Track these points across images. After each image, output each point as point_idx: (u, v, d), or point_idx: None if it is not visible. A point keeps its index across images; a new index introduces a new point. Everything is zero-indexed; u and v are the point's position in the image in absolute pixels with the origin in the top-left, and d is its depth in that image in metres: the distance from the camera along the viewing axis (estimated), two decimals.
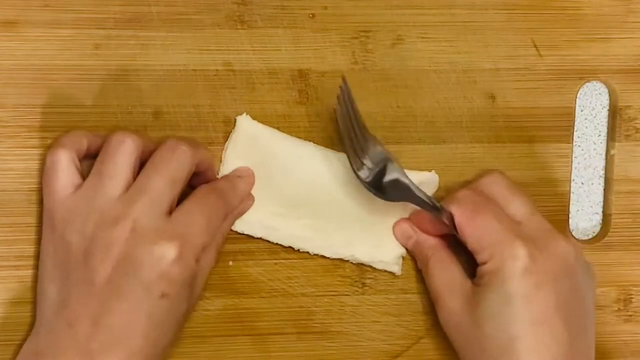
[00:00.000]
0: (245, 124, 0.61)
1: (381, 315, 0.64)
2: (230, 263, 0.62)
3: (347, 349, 0.64)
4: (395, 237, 0.63)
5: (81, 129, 0.58)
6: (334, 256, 0.63)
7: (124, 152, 0.55)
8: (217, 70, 0.61)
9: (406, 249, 0.63)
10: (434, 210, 0.60)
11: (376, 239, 0.63)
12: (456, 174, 0.64)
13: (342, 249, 0.63)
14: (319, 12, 0.62)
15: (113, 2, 0.60)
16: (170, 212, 0.55)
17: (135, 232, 0.54)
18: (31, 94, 0.59)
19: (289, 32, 0.62)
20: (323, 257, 0.63)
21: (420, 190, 0.60)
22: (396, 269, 0.63)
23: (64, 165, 0.56)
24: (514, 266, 0.57)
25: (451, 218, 0.59)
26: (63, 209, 0.55)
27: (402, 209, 0.63)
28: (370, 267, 0.63)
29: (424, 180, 0.63)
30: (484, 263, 0.58)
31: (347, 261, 0.63)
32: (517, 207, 0.60)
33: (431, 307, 0.64)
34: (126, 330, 0.53)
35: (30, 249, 0.60)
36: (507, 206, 0.60)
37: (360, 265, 0.63)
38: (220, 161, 0.61)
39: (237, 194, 0.60)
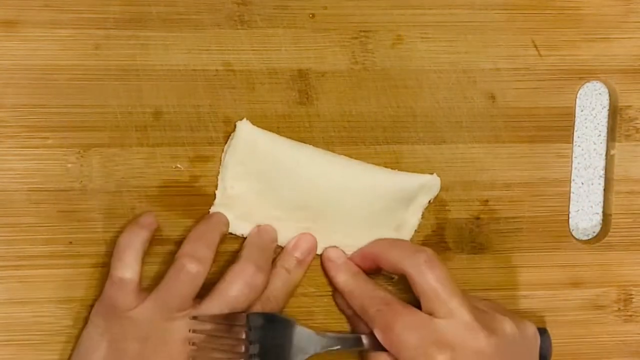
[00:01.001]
0: (245, 130, 0.61)
1: None
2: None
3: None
4: None
5: (144, 223, 0.59)
6: None
7: (188, 283, 0.57)
8: (217, 70, 0.61)
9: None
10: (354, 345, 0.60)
11: None
12: (456, 174, 0.64)
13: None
14: (319, 12, 0.62)
15: (113, 2, 0.60)
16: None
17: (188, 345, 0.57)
18: (31, 94, 0.59)
19: (289, 32, 0.62)
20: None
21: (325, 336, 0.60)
22: (392, 275, 0.63)
23: (130, 287, 0.57)
24: None
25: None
26: (126, 320, 0.57)
27: (402, 212, 0.63)
28: None
29: (425, 183, 0.63)
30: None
31: None
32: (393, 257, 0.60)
33: None
34: None
35: (30, 249, 0.60)
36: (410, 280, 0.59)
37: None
38: (220, 164, 0.61)
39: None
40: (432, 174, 0.63)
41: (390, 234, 0.63)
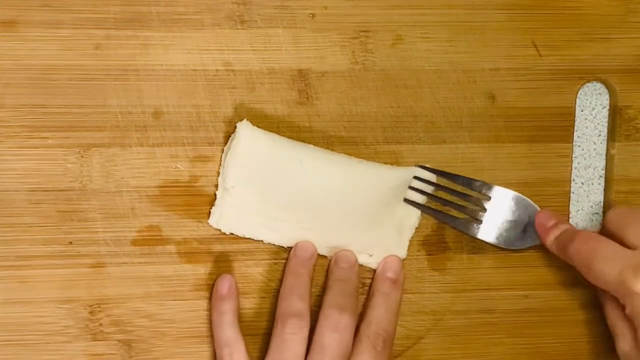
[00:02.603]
0: (245, 130, 0.61)
1: None
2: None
3: None
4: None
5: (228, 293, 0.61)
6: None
7: (300, 341, 0.59)
8: (217, 70, 0.61)
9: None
10: None
11: (376, 242, 0.63)
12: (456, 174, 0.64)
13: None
14: (319, 12, 0.62)
15: (113, 2, 0.60)
16: None
17: None
18: (31, 94, 0.59)
19: (289, 32, 0.62)
20: (323, 257, 0.63)
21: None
22: None
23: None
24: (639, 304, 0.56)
25: None
26: None
27: (403, 209, 0.63)
28: (370, 268, 0.63)
29: (419, 174, 0.62)
30: (624, 308, 0.58)
31: None
32: (633, 234, 0.59)
33: (431, 307, 0.64)
34: None
35: (30, 249, 0.60)
36: (623, 240, 0.59)
37: (360, 265, 0.63)
38: (220, 165, 0.61)
39: (396, 318, 0.63)
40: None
41: (391, 232, 0.63)
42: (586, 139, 0.66)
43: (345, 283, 0.61)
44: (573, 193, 0.66)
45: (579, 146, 0.66)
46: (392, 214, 0.63)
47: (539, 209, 0.63)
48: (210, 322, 0.61)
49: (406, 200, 0.63)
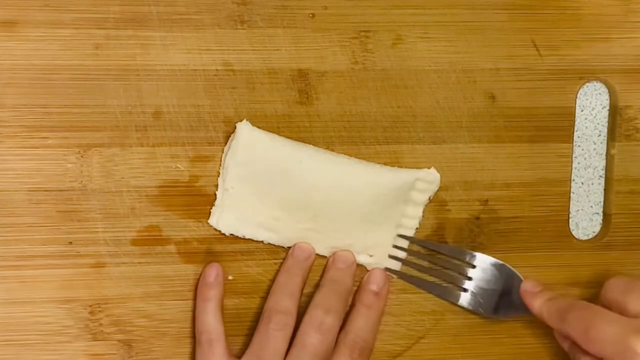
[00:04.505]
0: (245, 131, 0.61)
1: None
2: (230, 277, 0.62)
3: None
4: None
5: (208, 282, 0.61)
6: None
7: (282, 338, 0.59)
8: (217, 70, 0.61)
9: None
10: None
11: (376, 243, 0.63)
12: (456, 174, 0.64)
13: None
14: (319, 12, 0.62)
15: (113, 2, 0.60)
16: None
17: None
18: (31, 94, 0.59)
19: (289, 32, 0.62)
20: (323, 257, 0.63)
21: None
22: (393, 275, 0.63)
23: (219, 350, 0.59)
24: None
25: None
26: None
27: (403, 210, 0.63)
28: (369, 269, 0.63)
29: (423, 177, 0.63)
30: None
31: None
32: (634, 302, 0.58)
33: (431, 307, 0.64)
34: None
35: (30, 249, 0.60)
36: (624, 307, 0.58)
37: (360, 265, 0.63)
38: (220, 165, 0.61)
39: (376, 330, 0.63)
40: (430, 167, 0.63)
41: (391, 232, 0.63)
42: (586, 139, 0.66)
43: (337, 284, 0.61)
44: (573, 193, 0.66)
45: (579, 146, 0.66)
46: (393, 215, 0.63)
47: (522, 278, 0.63)
48: (194, 309, 0.61)
49: (386, 269, 0.63)
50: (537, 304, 0.62)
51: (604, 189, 0.67)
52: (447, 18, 0.63)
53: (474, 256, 0.64)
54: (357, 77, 0.63)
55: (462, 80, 0.64)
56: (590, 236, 0.67)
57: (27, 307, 0.60)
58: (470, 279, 0.64)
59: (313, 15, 0.62)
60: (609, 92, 0.66)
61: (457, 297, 0.64)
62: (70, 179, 0.60)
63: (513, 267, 0.64)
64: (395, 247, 0.63)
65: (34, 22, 0.59)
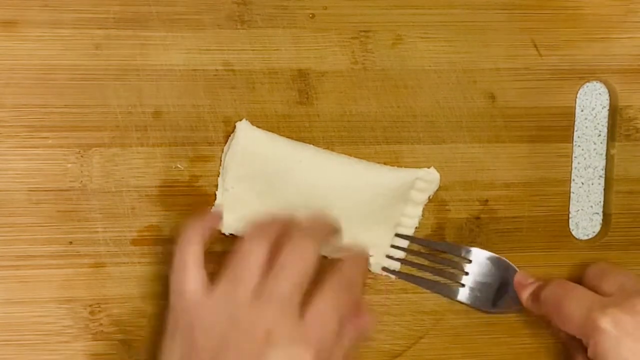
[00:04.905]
0: (245, 130, 0.61)
1: (381, 315, 0.64)
2: None
3: None
4: None
5: (200, 217, 0.57)
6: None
7: (255, 259, 0.55)
8: (217, 70, 0.61)
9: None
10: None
11: (375, 242, 0.63)
12: (456, 174, 0.64)
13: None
14: (319, 12, 0.62)
15: (113, 2, 0.60)
16: (302, 310, 0.54)
17: (270, 338, 0.53)
18: (31, 94, 0.59)
19: (289, 32, 0.62)
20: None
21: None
22: (393, 275, 0.64)
23: (194, 265, 0.55)
24: (604, 341, 0.56)
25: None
26: (194, 313, 0.54)
27: (402, 209, 0.63)
28: (369, 269, 0.63)
29: (422, 177, 0.63)
30: (587, 349, 0.58)
31: None
32: (608, 283, 0.60)
33: (431, 307, 0.64)
34: None
35: (30, 249, 0.60)
36: (599, 290, 0.59)
37: None
38: (220, 165, 0.61)
39: (363, 280, 0.59)
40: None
41: (390, 232, 0.63)
42: (586, 139, 0.66)
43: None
44: (573, 193, 0.66)
45: (579, 146, 0.66)
46: (392, 214, 0.63)
47: (517, 269, 0.63)
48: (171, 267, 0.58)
49: (384, 269, 0.63)
50: (525, 294, 0.62)
51: (604, 189, 0.67)
52: (447, 18, 0.63)
53: (469, 251, 0.64)
54: (357, 77, 0.63)
55: (462, 80, 0.64)
56: (590, 236, 0.67)
57: (27, 307, 0.60)
58: (467, 274, 0.64)
59: (313, 15, 0.62)
60: (609, 92, 0.66)
61: (455, 293, 0.64)
62: (70, 179, 0.60)
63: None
64: (393, 246, 0.63)
65: (34, 22, 0.59)
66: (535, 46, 0.64)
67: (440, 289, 0.64)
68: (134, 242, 0.61)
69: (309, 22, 0.62)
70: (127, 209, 0.61)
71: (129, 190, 0.61)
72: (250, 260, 0.55)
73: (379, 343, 0.64)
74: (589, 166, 0.66)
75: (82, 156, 0.60)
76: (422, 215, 0.64)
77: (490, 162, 0.64)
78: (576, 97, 0.65)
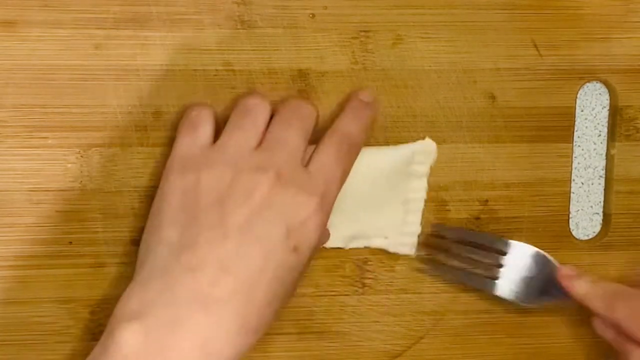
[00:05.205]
0: None
1: (381, 315, 0.64)
2: None
3: (347, 349, 0.64)
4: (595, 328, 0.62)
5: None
6: (348, 247, 0.63)
7: (261, 111, 0.57)
8: (217, 70, 0.61)
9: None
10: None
11: (387, 223, 0.63)
12: (456, 174, 0.64)
13: (355, 240, 0.63)
14: (319, 12, 0.62)
15: (113, 2, 0.60)
16: (304, 164, 0.56)
17: (279, 181, 0.54)
18: (31, 94, 0.59)
19: (289, 32, 0.62)
20: (323, 257, 0.63)
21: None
22: (412, 251, 0.63)
23: (208, 118, 0.57)
24: None
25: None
26: (201, 154, 0.55)
27: (406, 185, 0.62)
28: (369, 269, 0.63)
29: (420, 150, 0.62)
30: None
31: (348, 261, 0.63)
32: None
33: (431, 307, 0.64)
34: (252, 278, 0.52)
35: (30, 249, 0.60)
36: None
37: (360, 265, 0.63)
38: None
39: (365, 130, 0.60)
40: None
41: (400, 210, 0.63)
42: (586, 139, 0.66)
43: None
44: (573, 193, 0.66)
45: (579, 146, 0.66)
46: (398, 192, 0.63)
47: (557, 264, 0.63)
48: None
49: (427, 261, 0.63)
50: (581, 287, 0.61)
51: (604, 189, 0.67)
52: (447, 18, 0.63)
53: (506, 243, 0.63)
54: (357, 77, 0.63)
55: (462, 80, 0.64)
56: (590, 236, 0.67)
57: (27, 307, 0.60)
58: (502, 266, 0.63)
59: (313, 15, 0.62)
60: (609, 92, 0.66)
61: (492, 287, 0.63)
62: (70, 179, 0.60)
63: None
64: (434, 234, 0.63)
65: (33, 22, 0.59)
66: (536, 46, 0.64)
67: (476, 282, 0.63)
68: (134, 242, 0.61)
69: (309, 22, 0.62)
70: (127, 209, 0.61)
71: (129, 190, 0.61)
72: (256, 112, 0.57)
73: (379, 343, 0.64)
74: (589, 166, 0.66)
75: (82, 156, 0.60)
76: (427, 187, 0.63)
77: (490, 162, 0.64)
78: (576, 97, 0.65)
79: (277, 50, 0.62)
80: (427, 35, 0.63)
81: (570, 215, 0.66)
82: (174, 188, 0.55)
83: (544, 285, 0.63)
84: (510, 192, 0.65)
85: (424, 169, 0.63)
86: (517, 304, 0.63)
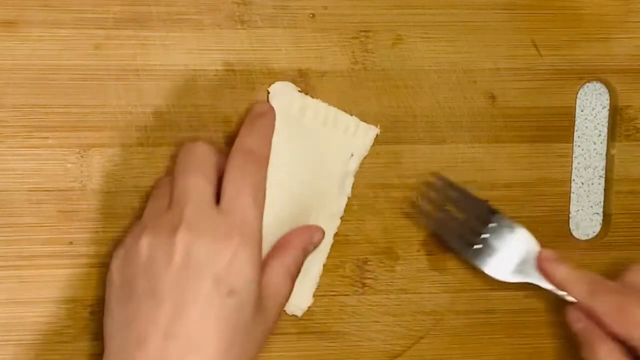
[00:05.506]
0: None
1: (381, 315, 0.64)
2: None
3: (347, 349, 0.64)
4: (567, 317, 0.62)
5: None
6: None
7: (163, 183, 0.57)
8: (217, 70, 0.61)
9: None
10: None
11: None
12: (456, 174, 0.64)
13: None
14: (319, 12, 0.62)
15: (113, 2, 0.60)
16: (217, 201, 0.55)
17: (192, 234, 0.53)
18: (31, 94, 0.59)
19: (289, 32, 0.62)
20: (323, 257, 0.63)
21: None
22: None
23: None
24: None
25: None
26: (129, 236, 0.56)
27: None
28: (369, 269, 0.63)
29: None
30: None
31: (348, 261, 0.63)
32: None
33: (431, 307, 0.64)
34: (198, 335, 0.52)
35: (30, 249, 0.60)
36: None
37: (360, 265, 0.63)
38: None
39: (266, 141, 0.59)
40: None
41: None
42: (586, 139, 0.66)
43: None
44: (573, 193, 0.66)
45: (579, 146, 0.66)
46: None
47: (539, 246, 0.63)
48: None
49: (416, 208, 0.63)
50: (560, 272, 0.61)
51: (604, 189, 0.67)
52: (447, 18, 0.63)
53: (493, 214, 0.63)
54: (357, 77, 0.63)
55: (462, 80, 0.64)
56: (590, 236, 0.67)
57: (27, 307, 0.60)
58: (484, 235, 0.63)
59: (313, 15, 0.62)
60: (609, 92, 0.66)
61: (469, 253, 0.63)
62: (70, 179, 0.60)
63: None
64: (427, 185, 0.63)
65: (34, 22, 0.59)
66: (536, 46, 0.64)
67: (454, 242, 0.63)
68: None
69: (309, 22, 0.62)
70: (127, 209, 0.61)
71: (129, 190, 0.61)
72: (161, 185, 0.57)
73: (379, 343, 0.64)
74: (589, 166, 0.66)
75: (82, 156, 0.60)
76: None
77: (490, 162, 0.64)
78: (576, 97, 0.65)
79: (277, 50, 0.62)
80: (427, 35, 0.63)
81: (570, 215, 0.66)
82: (113, 267, 0.56)
83: (521, 264, 0.63)
84: (510, 192, 0.65)
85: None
86: (489, 276, 0.63)
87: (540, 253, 0.62)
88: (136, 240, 0.55)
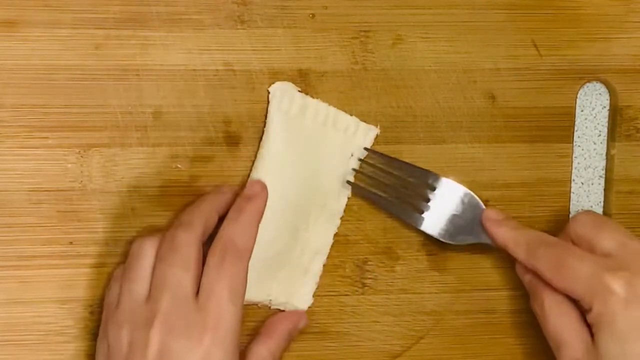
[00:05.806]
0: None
1: (381, 315, 0.64)
2: None
3: (347, 349, 0.64)
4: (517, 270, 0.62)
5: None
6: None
7: (145, 255, 0.56)
8: (217, 70, 0.61)
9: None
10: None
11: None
12: (456, 174, 0.64)
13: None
14: (319, 12, 0.62)
15: (113, 2, 0.60)
16: (197, 291, 0.55)
17: (167, 328, 0.54)
18: (31, 94, 0.59)
19: (289, 32, 0.62)
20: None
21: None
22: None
23: (113, 281, 0.58)
24: (613, 303, 0.55)
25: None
26: (111, 319, 0.57)
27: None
28: (369, 269, 0.64)
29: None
30: (588, 311, 0.57)
31: (348, 261, 0.63)
32: (606, 240, 0.58)
33: (431, 307, 0.64)
34: None
35: (30, 249, 0.60)
36: (594, 244, 0.59)
37: (360, 265, 0.63)
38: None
39: (251, 231, 0.58)
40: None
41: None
42: (586, 139, 0.66)
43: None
44: (573, 193, 0.66)
45: (579, 146, 0.66)
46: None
47: (483, 206, 0.63)
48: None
49: (349, 183, 0.62)
50: (502, 232, 0.61)
51: (604, 189, 0.67)
52: (447, 18, 0.63)
53: (436, 179, 0.63)
54: (357, 77, 0.63)
55: (462, 80, 0.64)
56: None
57: (27, 307, 0.60)
58: (429, 201, 0.63)
59: (313, 15, 0.62)
60: (609, 92, 0.66)
61: (417, 220, 0.63)
62: (70, 179, 0.60)
63: (513, 266, 0.64)
64: (362, 161, 0.63)
65: (34, 22, 0.59)
66: (535, 46, 0.64)
67: (399, 212, 0.63)
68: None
69: (309, 22, 0.62)
70: (127, 209, 0.61)
71: (129, 190, 0.61)
72: (141, 257, 0.57)
73: (379, 343, 0.64)
74: (589, 166, 0.66)
75: (82, 156, 0.60)
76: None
77: (490, 162, 0.64)
78: (576, 97, 0.65)
79: (277, 50, 0.62)
80: (427, 35, 0.63)
81: (570, 215, 0.66)
82: (99, 355, 0.57)
83: (469, 226, 0.63)
84: (510, 192, 0.65)
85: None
86: (440, 240, 0.63)
87: (484, 213, 0.62)
88: (116, 327, 0.55)
